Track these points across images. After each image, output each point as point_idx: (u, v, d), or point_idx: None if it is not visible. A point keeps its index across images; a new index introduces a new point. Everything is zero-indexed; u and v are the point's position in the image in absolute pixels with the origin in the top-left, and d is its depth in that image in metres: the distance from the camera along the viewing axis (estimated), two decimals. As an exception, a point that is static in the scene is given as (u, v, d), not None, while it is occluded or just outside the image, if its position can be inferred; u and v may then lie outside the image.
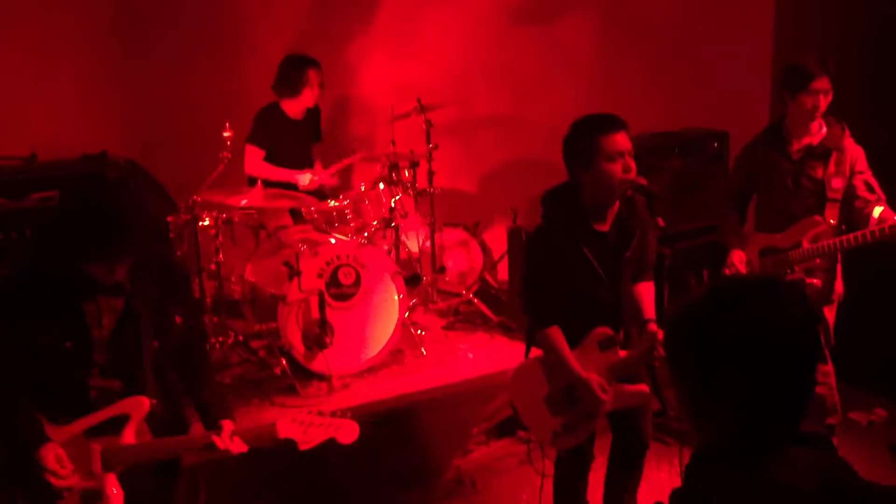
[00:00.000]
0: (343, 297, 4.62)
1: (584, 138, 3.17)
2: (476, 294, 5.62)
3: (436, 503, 4.26)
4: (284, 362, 4.54)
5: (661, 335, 3.27)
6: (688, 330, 1.52)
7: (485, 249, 6.03)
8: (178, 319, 2.89)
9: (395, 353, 4.90)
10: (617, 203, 3.26)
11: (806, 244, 3.81)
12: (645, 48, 5.83)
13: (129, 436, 2.75)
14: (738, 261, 4.00)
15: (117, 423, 2.76)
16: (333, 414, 2.76)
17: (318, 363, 4.52)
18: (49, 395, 2.72)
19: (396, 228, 5.31)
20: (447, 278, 5.69)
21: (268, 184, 4.94)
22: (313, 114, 5.59)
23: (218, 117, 4.78)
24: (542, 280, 3.30)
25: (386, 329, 4.74)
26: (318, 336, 4.46)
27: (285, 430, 2.74)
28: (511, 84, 6.15)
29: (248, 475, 3.85)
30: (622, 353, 3.38)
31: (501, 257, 5.75)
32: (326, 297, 4.51)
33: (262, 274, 4.83)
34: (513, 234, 5.25)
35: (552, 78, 6.06)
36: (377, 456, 4.17)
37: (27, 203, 3.32)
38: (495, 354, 4.99)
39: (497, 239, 6.12)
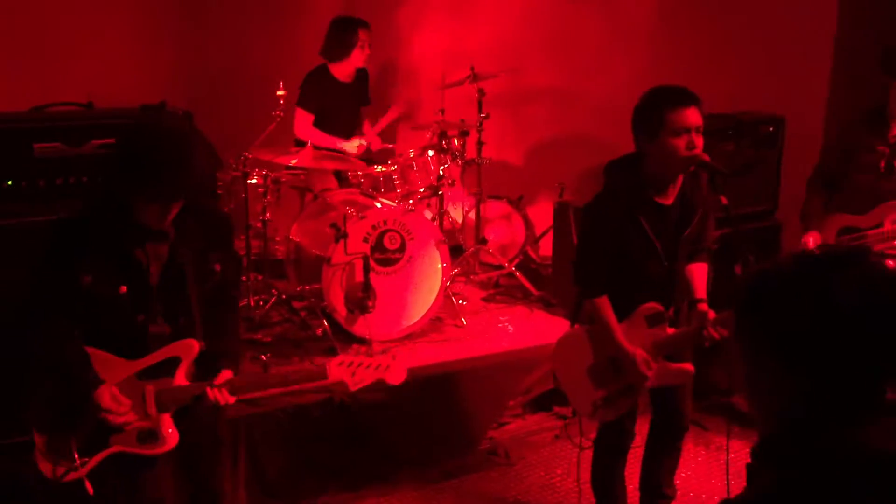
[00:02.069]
0: (387, 262, 4.62)
1: (651, 110, 3.12)
2: (517, 268, 5.60)
3: (471, 473, 4.26)
4: (326, 324, 4.55)
5: (712, 315, 3.24)
6: (798, 292, 1.42)
7: (527, 224, 5.99)
8: (217, 267, 2.90)
9: (434, 322, 4.90)
10: (681, 178, 3.21)
11: (888, 225, 3.79)
12: (705, 27, 5.70)
13: (180, 377, 2.79)
14: (813, 242, 3.99)
15: (170, 366, 2.80)
16: (383, 352, 2.78)
17: (359, 327, 4.53)
18: (104, 339, 2.75)
19: (441, 197, 5.28)
20: (490, 249, 5.66)
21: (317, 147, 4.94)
22: (362, 77, 5.57)
23: (271, 76, 4.78)
24: (596, 249, 3.27)
25: (428, 297, 4.73)
26: (360, 300, 4.46)
27: (334, 373, 2.75)
28: (565, 57, 6.06)
29: (291, 429, 3.88)
30: (670, 331, 3.35)
31: (546, 232, 5.72)
32: (371, 261, 4.51)
33: (308, 235, 4.84)
34: (559, 209, 5.19)
35: (608, 53, 5.96)
36: (414, 423, 4.19)
37: (85, 149, 3.33)
38: (535, 328, 4.98)
39: (540, 214, 6.08)
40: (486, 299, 5.45)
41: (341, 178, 5.30)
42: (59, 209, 3.18)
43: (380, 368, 2.80)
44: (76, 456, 2.70)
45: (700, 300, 3.34)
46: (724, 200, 3.02)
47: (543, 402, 4.78)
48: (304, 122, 5.30)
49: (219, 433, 3.11)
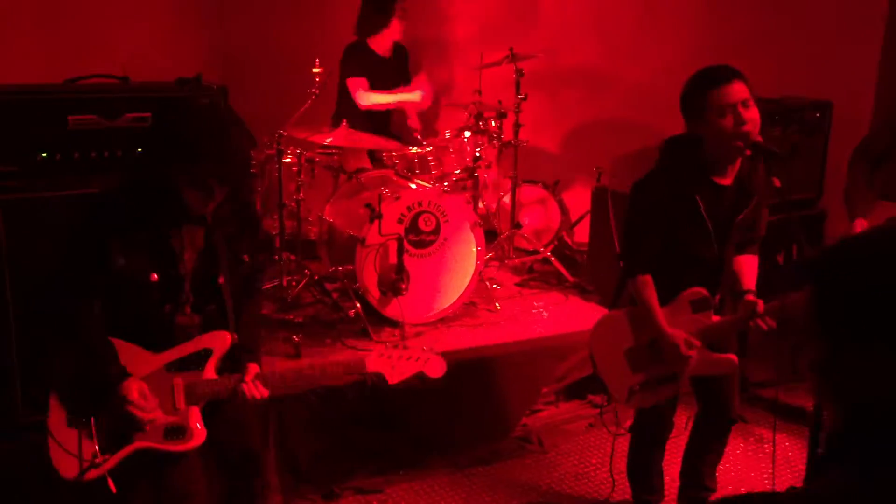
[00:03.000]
0: (422, 244, 4.54)
1: (693, 92, 3.04)
2: (552, 254, 5.50)
3: (503, 460, 4.18)
4: (358, 306, 4.49)
5: (761, 306, 3.13)
6: (890, 262, 1.27)
7: (563, 209, 5.89)
8: (245, 258, 2.84)
9: (468, 306, 4.82)
10: (739, 160, 3.10)
11: None
12: (748, 9, 5.55)
13: (210, 370, 2.72)
14: (861, 229, 3.85)
15: (198, 358, 2.73)
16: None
17: (392, 309, 4.46)
18: (133, 329, 2.68)
19: (476, 179, 5.19)
20: (524, 233, 5.56)
21: (354, 123, 4.86)
22: (400, 52, 5.49)
23: (306, 54, 4.71)
24: (644, 226, 3.17)
25: (462, 280, 4.65)
26: (394, 282, 4.39)
27: (374, 364, 2.73)
28: (605, 40, 5.94)
29: (322, 412, 3.83)
30: (715, 318, 3.25)
31: (582, 217, 5.61)
32: (405, 243, 4.43)
33: (341, 215, 4.77)
34: (597, 194, 5.08)
35: (649, 36, 5.83)
36: (446, 408, 4.12)
37: (119, 122, 3.27)
38: (570, 315, 4.88)
39: (576, 199, 5.98)
40: (519, 284, 5.36)
41: (375, 159, 5.23)
42: (94, 183, 3.14)
43: (420, 361, 2.78)
44: (97, 452, 2.60)
45: (748, 291, 3.24)
46: (777, 182, 2.90)
47: (577, 390, 4.70)
48: (359, 89, 5.22)
49: (253, 436, 3.02)
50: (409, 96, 5.23)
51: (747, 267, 3.30)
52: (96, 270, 2.61)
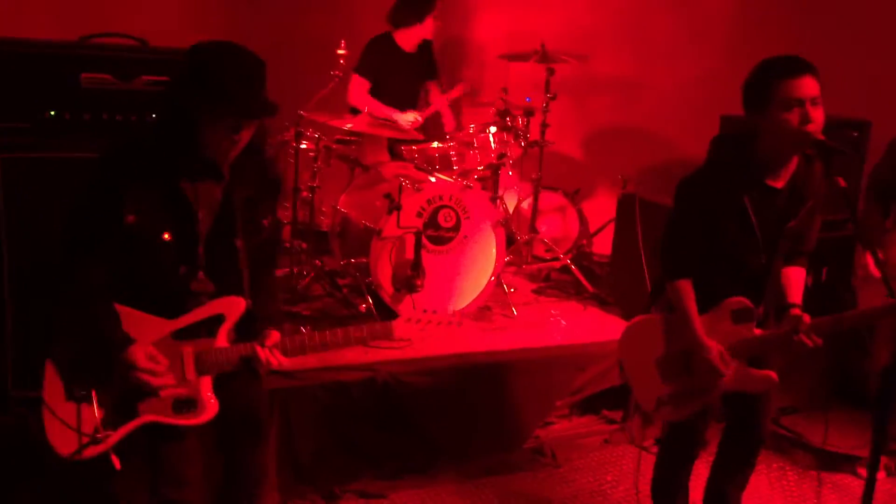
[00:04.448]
0: (440, 240, 4.34)
1: (760, 82, 2.82)
2: (565, 265, 5.31)
3: (514, 472, 3.97)
4: (370, 301, 4.28)
5: (807, 319, 2.93)
6: None
7: (582, 219, 5.71)
8: (265, 222, 2.65)
9: (483, 310, 4.61)
10: (795, 161, 2.90)
11: None
12: (784, 23, 5.40)
13: (222, 338, 2.53)
14: (872, 262, 3.64)
15: (209, 326, 2.54)
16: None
17: (405, 307, 4.24)
18: (139, 295, 2.49)
19: (497, 178, 4.98)
20: (544, 238, 5.37)
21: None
22: (425, 49, 5.32)
23: (329, 36, 4.55)
24: (687, 227, 2.96)
25: (479, 281, 4.45)
26: (409, 278, 4.18)
27: (401, 330, 2.58)
28: (636, 46, 5.78)
29: (329, 408, 3.62)
30: (757, 332, 3.04)
31: (604, 226, 5.41)
32: (423, 238, 4.23)
33: (357, 206, 4.57)
34: (624, 202, 4.86)
35: (680, 47, 5.68)
36: (457, 412, 3.91)
37: (135, 85, 3.09)
38: (589, 325, 4.67)
39: (595, 209, 5.80)
40: (536, 291, 5.16)
41: (394, 154, 5.04)
42: (103, 146, 2.95)
43: (451, 326, 2.60)
44: (99, 426, 2.42)
45: (793, 305, 3.03)
46: (842, 182, 2.69)
47: (592, 405, 4.49)
48: (359, 89, 5.06)
49: (261, 408, 2.83)
50: (401, 118, 5.02)
51: (794, 279, 3.09)
52: (106, 229, 2.42)
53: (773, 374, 3.09)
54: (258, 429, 2.75)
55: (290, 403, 3.54)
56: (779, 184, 2.91)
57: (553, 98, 5.01)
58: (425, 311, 2.65)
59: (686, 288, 2.98)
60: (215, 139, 2.42)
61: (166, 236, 2.46)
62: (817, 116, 2.75)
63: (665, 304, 3.12)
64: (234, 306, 2.55)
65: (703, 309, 3.00)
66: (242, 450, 2.74)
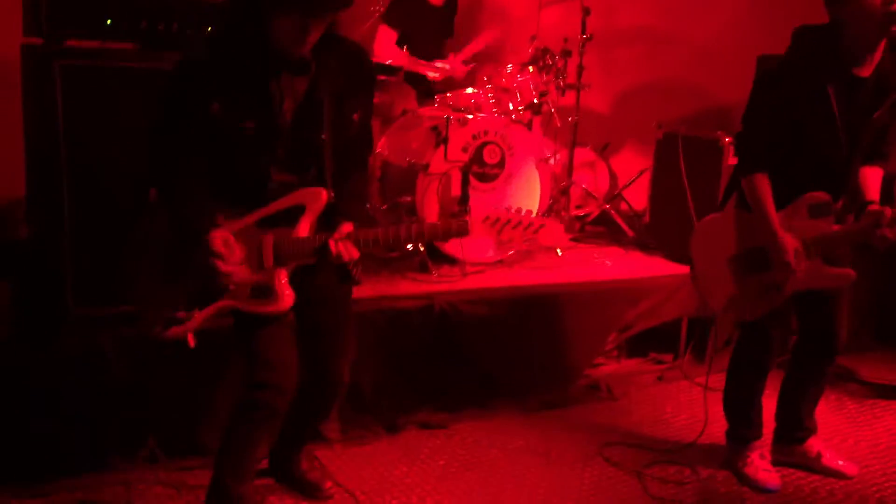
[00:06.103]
0: (485, 177, 4.26)
1: None
2: (603, 216, 5.24)
3: (573, 405, 3.90)
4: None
5: (889, 213, 2.87)
6: None
7: (611, 173, 5.64)
8: (355, 117, 2.56)
9: (525, 253, 4.52)
10: (881, 49, 2.83)
11: None
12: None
13: (303, 228, 2.46)
14: None
15: (292, 215, 2.46)
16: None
17: (452, 245, 4.16)
18: (225, 182, 2.45)
19: (530, 123, 4.88)
20: (584, 185, 5.29)
21: (414, 51, 4.61)
22: (452, 5, 5.23)
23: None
24: (767, 119, 2.90)
25: (523, 221, 4.36)
26: (457, 214, 4.07)
27: (478, 230, 2.42)
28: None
29: (387, 336, 3.53)
30: (835, 227, 2.98)
31: (639, 174, 5.32)
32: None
33: (398, 148, 4.48)
34: (665, 141, 4.76)
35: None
36: (514, 346, 3.83)
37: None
38: (634, 266, 4.59)
39: (623, 164, 5.73)
40: (574, 239, 5.08)
41: (424, 102, 4.95)
42: (162, 58, 2.86)
43: (531, 228, 2.45)
44: (183, 308, 2.42)
45: (872, 201, 2.97)
46: None
47: (640, 347, 4.42)
48: (386, 39, 4.96)
49: (346, 310, 2.77)
50: (429, 71, 4.96)
51: (872, 179, 3.03)
52: (192, 115, 2.38)
53: (851, 272, 3.03)
54: (340, 326, 2.71)
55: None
56: (865, 72, 2.86)
57: (589, 39, 4.94)
58: (507, 208, 2.53)
59: (763, 182, 2.92)
60: (284, 36, 2.35)
61: (250, 125, 2.39)
62: None
63: (739, 201, 3.06)
64: (315, 197, 2.47)
65: (780, 205, 2.94)
66: (324, 350, 2.70)
